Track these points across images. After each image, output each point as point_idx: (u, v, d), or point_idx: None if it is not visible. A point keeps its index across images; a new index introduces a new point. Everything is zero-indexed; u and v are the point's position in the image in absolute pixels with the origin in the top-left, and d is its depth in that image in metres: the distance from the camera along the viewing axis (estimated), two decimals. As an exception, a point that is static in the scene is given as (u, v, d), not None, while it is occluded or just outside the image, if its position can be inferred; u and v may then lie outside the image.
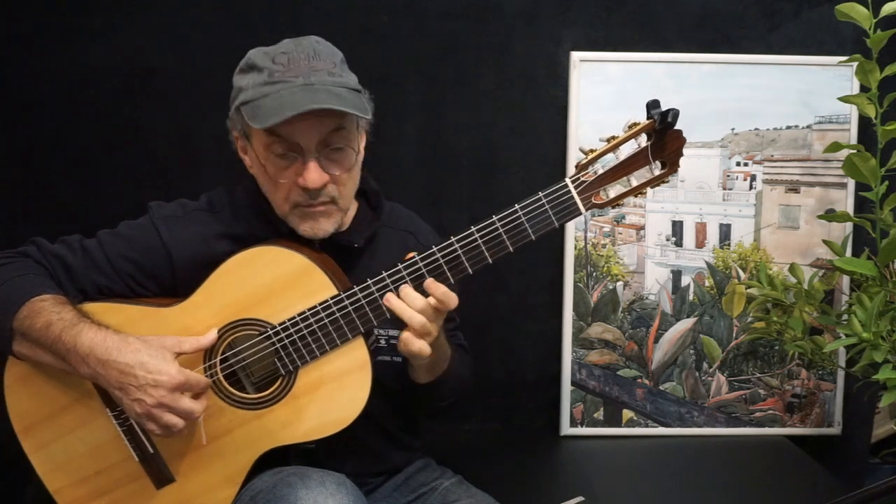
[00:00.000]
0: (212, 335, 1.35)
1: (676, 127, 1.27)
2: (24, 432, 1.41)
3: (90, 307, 1.38)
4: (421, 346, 1.31)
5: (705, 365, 2.06)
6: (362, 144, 1.45)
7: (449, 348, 1.45)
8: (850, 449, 2.10)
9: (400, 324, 1.33)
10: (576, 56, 1.97)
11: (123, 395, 1.27)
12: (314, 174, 1.33)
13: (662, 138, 1.28)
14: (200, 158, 1.94)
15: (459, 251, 1.31)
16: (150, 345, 1.29)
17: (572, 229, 2.02)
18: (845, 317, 1.79)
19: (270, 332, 1.35)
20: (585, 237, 2.03)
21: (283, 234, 1.41)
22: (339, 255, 1.43)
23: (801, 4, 2.00)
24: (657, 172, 1.31)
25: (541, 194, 1.30)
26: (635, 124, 1.29)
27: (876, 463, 2.15)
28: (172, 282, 1.43)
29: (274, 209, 1.41)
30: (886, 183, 1.78)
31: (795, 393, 2.07)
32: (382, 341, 1.49)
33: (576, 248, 2.02)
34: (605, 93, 1.97)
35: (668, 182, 1.33)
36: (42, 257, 1.41)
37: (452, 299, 1.31)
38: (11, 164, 1.98)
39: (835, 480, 1.82)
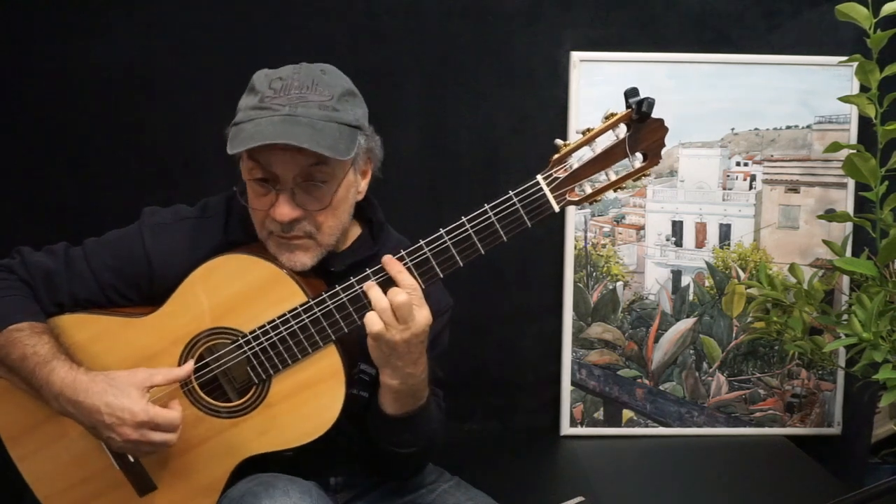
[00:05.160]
0: (188, 366, 1.34)
1: (657, 117, 1.21)
2: (10, 442, 1.42)
3: (66, 319, 1.38)
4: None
5: (705, 365, 2.06)
6: (361, 181, 1.39)
7: (427, 385, 1.35)
8: (850, 449, 2.10)
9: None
10: (576, 56, 1.97)
11: (96, 433, 1.30)
12: (283, 208, 1.28)
13: (641, 129, 1.22)
14: (201, 158, 1.94)
15: (429, 254, 1.26)
16: (115, 384, 1.29)
17: (572, 229, 2.02)
18: (845, 317, 1.79)
19: (241, 340, 1.33)
20: (585, 237, 2.03)
21: None
22: (319, 274, 1.38)
23: (801, 4, 2.00)
24: (638, 165, 1.25)
25: (511, 193, 1.24)
26: (612, 115, 1.23)
27: (876, 463, 2.15)
28: (150, 290, 1.41)
29: None
30: (886, 183, 1.78)
31: (795, 393, 2.07)
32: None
33: (576, 248, 2.02)
34: (605, 93, 1.97)
35: (649, 175, 1.26)
36: (25, 271, 1.40)
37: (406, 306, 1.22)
38: (11, 164, 1.98)
39: (835, 480, 1.82)
